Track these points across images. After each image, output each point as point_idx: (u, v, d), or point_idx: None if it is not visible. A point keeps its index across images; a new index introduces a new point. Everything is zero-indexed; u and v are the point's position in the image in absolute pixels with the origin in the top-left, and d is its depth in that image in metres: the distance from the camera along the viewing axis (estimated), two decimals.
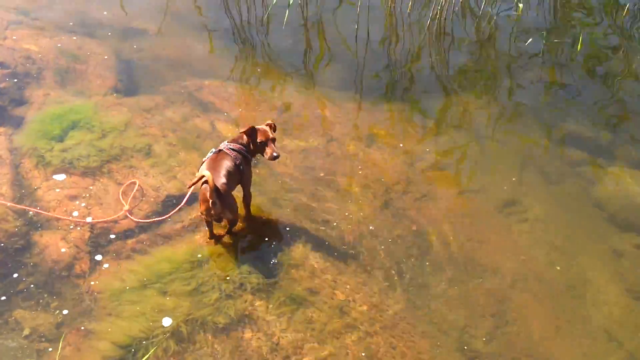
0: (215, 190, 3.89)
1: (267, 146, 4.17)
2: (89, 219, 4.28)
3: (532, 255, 4.35)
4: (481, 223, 4.58)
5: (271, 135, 4.20)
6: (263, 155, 4.21)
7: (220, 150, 4.15)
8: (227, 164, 4.07)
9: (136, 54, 5.91)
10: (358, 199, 4.66)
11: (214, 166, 4.03)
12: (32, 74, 5.44)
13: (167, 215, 4.32)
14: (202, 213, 4.07)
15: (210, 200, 3.90)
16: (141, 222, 4.32)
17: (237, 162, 4.13)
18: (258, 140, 4.17)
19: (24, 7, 6.23)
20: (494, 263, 4.27)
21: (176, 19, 6.43)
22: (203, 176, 3.90)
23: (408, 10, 6.53)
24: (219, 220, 4.17)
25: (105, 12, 6.38)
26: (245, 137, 4.22)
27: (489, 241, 4.43)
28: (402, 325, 3.86)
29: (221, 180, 3.95)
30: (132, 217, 4.33)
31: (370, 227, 4.43)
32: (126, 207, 4.38)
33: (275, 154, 4.15)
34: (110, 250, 4.14)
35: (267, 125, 4.25)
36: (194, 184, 3.95)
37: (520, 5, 6.41)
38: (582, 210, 4.73)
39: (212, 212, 3.98)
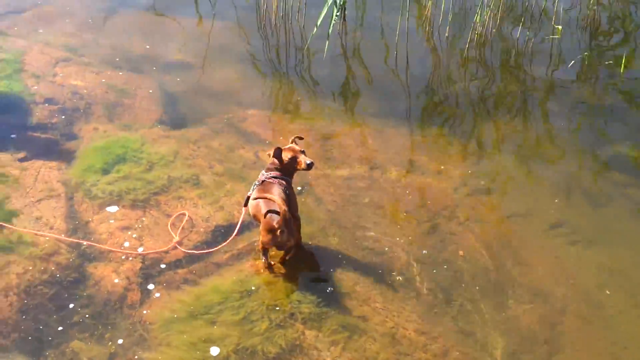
0: (285, 218, 3.95)
1: (297, 159, 4.24)
2: (140, 249, 4.38)
3: (581, 278, 4.32)
4: (529, 247, 4.56)
5: (298, 148, 4.26)
6: (298, 169, 4.28)
7: (263, 181, 4.21)
8: (277, 191, 4.14)
9: (180, 87, 6.03)
10: (404, 225, 4.68)
11: (266, 196, 4.10)
12: (80, 109, 5.58)
13: (217, 247, 4.40)
14: (265, 243, 4.12)
15: (279, 230, 3.97)
16: (191, 252, 4.40)
17: (282, 187, 4.21)
18: (288, 158, 4.24)
19: (72, 44, 6.40)
20: (543, 287, 4.24)
21: (218, 51, 6.55)
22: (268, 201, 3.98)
23: (446, 35, 6.57)
24: (282, 247, 4.20)
25: (148, 46, 6.50)
26: (275, 160, 4.29)
27: (538, 265, 4.41)
28: (454, 353, 3.85)
29: (283, 207, 4.01)
30: (182, 249, 4.41)
31: (417, 253, 4.44)
32: (176, 238, 4.46)
33: (308, 162, 4.21)
34: (161, 280, 4.21)
35: (291, 142, 4.33)
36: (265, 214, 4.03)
37: (559, 27, 6.41)
38: (631, 232, 4.68)
39: (279, 240, 4.03)
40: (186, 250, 4.40)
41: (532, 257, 4.47)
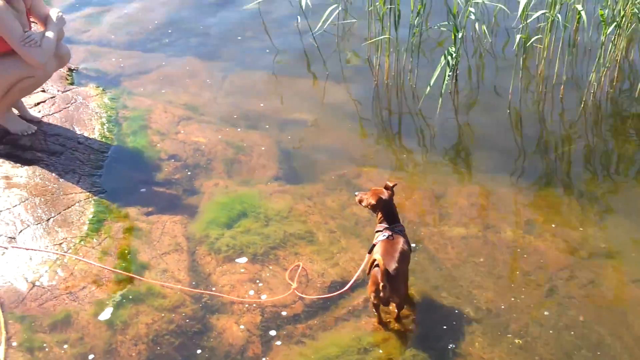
0: (385, 273, 4.01)
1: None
2: (263, 297, 4.53)
3: None
4: None
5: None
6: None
7: (392, 235, 4.28)
8: (401, 247, 4.21)
9: (295, 144, 6.21)
10: (520, 286, 4.64)
11: (388, 249, 4.17)
12: (201, 165, 5.83)
13: (336, 293, 4.52)
14: (370, 295, 4.19)
15: (381, 284, 4.02)
16: (309, 297, 4.54)
17: (408, 242, 4.28)
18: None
19: (192, 103, 6.71)
20: None
21: (331, 109, 6.72)
22: (375, 260, 4.04)
23: (560, 95, 6.54)
24: (387, 304, 4.26)
25: (262, 105, 6.73)
26: (382, 212, 4.39)
27: None
28: None
29: (393, 265, 4.08)
30: (300, 294, 4.56)
31: (536, 316, 4.39)
32: (294, 285, 4.61)
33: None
34: (281, 334, 4.32)
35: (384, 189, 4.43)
36: (365, 268, 4.13)
37: None
38: None
39: (381, 294, 4.09)
40: (304, 295, 4.54)
41: None
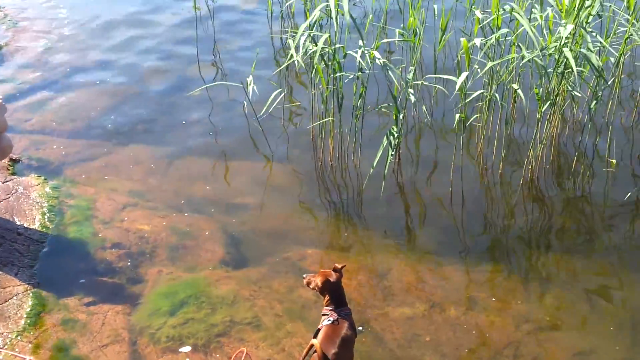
0: (323, 359, 3.95)
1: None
2: None
3: None
4: None
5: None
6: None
7: (337, 319, 4.24)
8: (344, 332, 4.17)
9: (240, 227, 6.19)
10: None
11: (330, 335, 4.13)
12: (146, 253, 5.77)
13: None
14: None
15: None
16: None
17: (353, 326, 4.25)
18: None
19: (137, 189, 6.67)
20: None
21: (276, 191, 6.74)
22: (312, 345, 4.00)
23: (499, 171, 6.68)
24: None
25: (208, 188, 6.73)
26: (330, 294, 4.35)
27: None
28: None
29: (332, 350, 4.03)
30: None
31: None
32: None
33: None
34: None
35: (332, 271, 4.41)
36: (305, 354, 4.07)
37: (613, 161, 6.48)
38: None
39: None
40: None
41: None
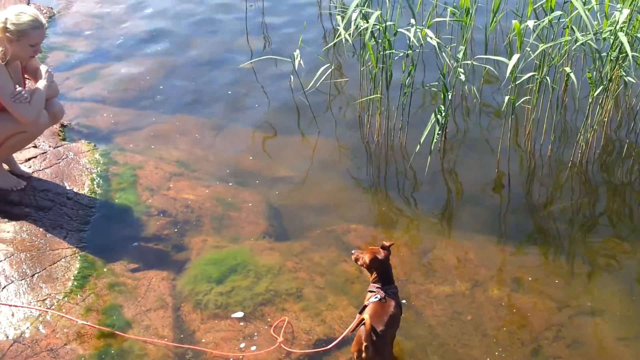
0: (370, 334, 3.98)
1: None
2: (253, 348, 4.54)
3: None
4: None
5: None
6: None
7: (385, 297, 4.26)
8: (392, 311, 4.19)
9: (284, 200, 6.23)
10: (506, 345, 4.62)
11: (378, 311, 4.15)
12: (191, 222, 5.83)
13: (323, 349, 4.51)
14: (354, 355, 4.14)
15: (364, 344, 3.99)
16: (295, 351, 4.53)
17: (399, 305, 4.26)
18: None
19: (184, 159, 6.75)
20: None
21: (321, 166, 6.75)
22: (362, 319, 4.02)
23: (548, 154, 6.60)
24: None
25: (252, 161, 6.77)
26: (377, 272, 4.37)
27: None
28: None
29: (380, 326, 4.06)
30: (286, 347, 4.55)
31: None
32: (280, 339, 4.59)
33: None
34: None
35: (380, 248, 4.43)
36: (353, 327, 4.10)
37: None
38: None
39: (364, 355, 4.04)
40: (291, 350, 4.53)
41: None
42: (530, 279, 5.23)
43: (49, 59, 8.58)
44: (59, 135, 6.94)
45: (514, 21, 6.08)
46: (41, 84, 5.50)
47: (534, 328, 4.75)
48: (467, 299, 5.03)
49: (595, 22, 6.05)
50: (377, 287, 4.33)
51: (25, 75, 5.64)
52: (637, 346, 4.62)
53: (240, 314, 4.85)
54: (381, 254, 4.38)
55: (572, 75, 6.10)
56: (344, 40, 6.35)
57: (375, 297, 4.26)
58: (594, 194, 6.29)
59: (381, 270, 4.39)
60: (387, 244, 4.42)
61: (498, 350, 4.56)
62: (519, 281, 5.22)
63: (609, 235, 5.79)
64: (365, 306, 4.25)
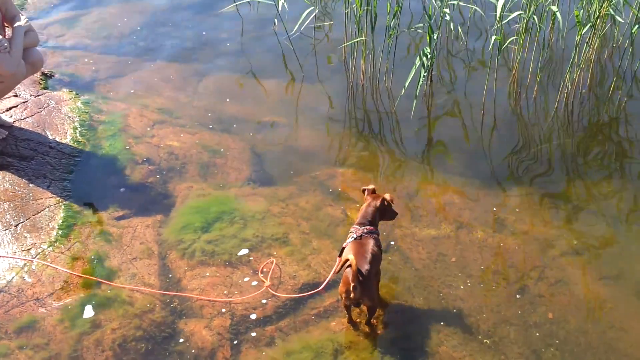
0: (357, 274, 3.99)
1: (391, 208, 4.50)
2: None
3: None
4: (622, 310, 4.46)
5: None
6: (389, 219, 4.57)
7: (360, 236, 4.27)
8: (372, 249, 4.20)
9: (269, 147, 6.19)
10: (491, 286, 4.65)
11: (359, 250, 4.16)
12: (176, 169, 5.80)
13: (309, 293, 4.53)
14: (341, 295, 4.17)
15: (352, 285, 4.01)
16: (281, 296, 4.54)
17: (376, 242, 4.27)
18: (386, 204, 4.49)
19: (167, 107, 6.68)
20: (638, 353, 4.12)
21: (306, 111, 6.71)
22: (347, 260, 4.03)
23: (534, 95, 6.56)
24: (357, 305, 4.24)
25: (237, 107, 6.71)
26: (368, 212, 4.40)
27: (632, 329, 4.30)
28: None
29: (365, 266, 4.07)
30: (273, 292, 4.57)
31: (505, 315, 4.40)
32: (267, 282, 4.61)
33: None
34: (250, 337, 4.30)
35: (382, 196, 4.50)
36: (337, 269, 4.12)
37: None
38: None
39: (352, 295, 4.07)
40: (278, 294, 4.54)
41: (626, 321, 4.36)
42: (514, 219, 5.25)
43: (28, 5, 8.41)
44: (40, 84, 6.84)
45: None
46: (20, 31, 5.39)
47: (519, 268, 4.79)
48: (451, 240, 5.05)
49: None
50: (355, 227, 4.36)
51: (5, 24, 5.52)
52: (619, 285, 4.66)
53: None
54: (385, 199, 4.50)
55: (558, 14, 6.02)
56: None
57: (352, 238, 4.28)
58: (580, 133, 6.28)
59: (379, 212, 4.48)
60: (387, 197, 4.50)
61: (483, 290, 4.60)
62: (503, 222, 5.23)
63: (595, 175, 5.79)
64: (344, 248, 4.26)
